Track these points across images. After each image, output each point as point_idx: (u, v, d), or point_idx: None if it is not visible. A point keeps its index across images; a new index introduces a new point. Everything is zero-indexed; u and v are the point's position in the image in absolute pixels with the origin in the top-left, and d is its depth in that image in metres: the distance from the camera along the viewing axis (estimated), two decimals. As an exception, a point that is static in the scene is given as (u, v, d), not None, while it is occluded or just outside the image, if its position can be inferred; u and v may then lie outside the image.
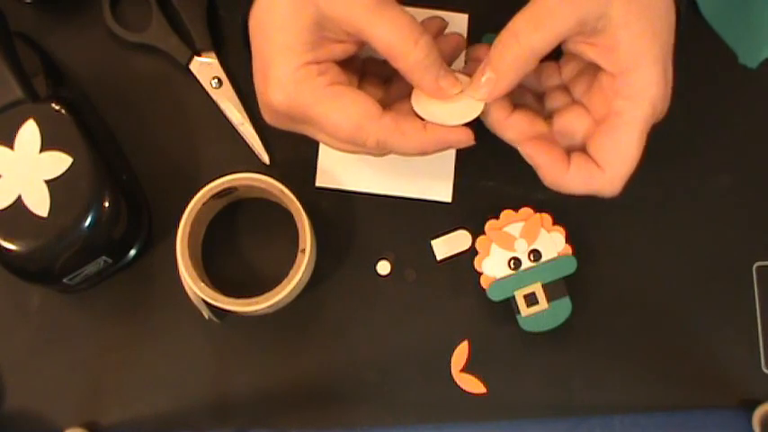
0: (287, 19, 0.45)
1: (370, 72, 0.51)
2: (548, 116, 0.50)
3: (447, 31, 0.52)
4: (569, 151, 0.49)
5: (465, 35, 0.59)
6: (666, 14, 0.46)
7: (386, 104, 0.49)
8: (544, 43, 0.45)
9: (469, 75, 0.48)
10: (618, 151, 0.46)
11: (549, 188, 0.49)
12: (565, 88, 0.51)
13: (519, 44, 0.45)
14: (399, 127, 0.46)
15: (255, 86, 0.48)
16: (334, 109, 0.46)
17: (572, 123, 0.49)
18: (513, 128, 0.49)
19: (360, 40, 0.46)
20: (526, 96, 0.51)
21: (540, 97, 0.52)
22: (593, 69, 0.48)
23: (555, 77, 0.51)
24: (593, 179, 0.47)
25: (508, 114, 0.49)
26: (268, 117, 0.49)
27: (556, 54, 0.48)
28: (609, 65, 0.46)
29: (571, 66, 0.50)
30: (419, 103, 0.48)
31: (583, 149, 0.48)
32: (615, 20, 0.44)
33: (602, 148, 0.47)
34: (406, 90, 0.49)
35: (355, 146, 0.47)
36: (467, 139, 0.47)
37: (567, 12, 0.44)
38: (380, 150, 0.47)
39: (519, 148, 0.49)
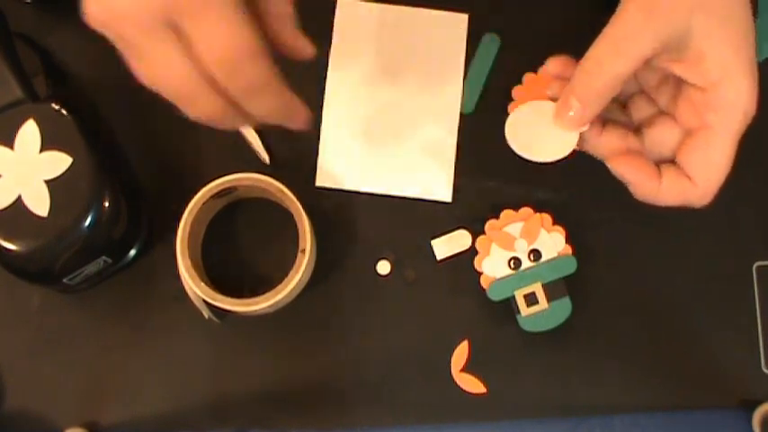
0: None
1: None
2: (636, 128, 0.49)
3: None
4: (658, 163, 0.47)
5: (465, 35, 0.59)
6: (746, 18, 0.44)
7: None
8: (628, 69, 0.43)
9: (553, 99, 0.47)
10: (710, 164, 0.45)
11: (640, 201, 0.48)
12: (646, 95, 0.49)
13: (603, 72, 0.44)
14: (275, 71, 0.40)
15: None
16: (229, 23, 0.38)
17: (662, 136, 0.47)
18: (606, 146, 0.48)
19: None
20: (611, 108, 0.50)
21: (624, 106, 0.50)
22: (675, 77, 0.46)
23: (633, 84, 0.49)
24: (685, 192, 0.46)
25: (600, 132, 0.48)
26: (107, 12, 0.39)
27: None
28: (697, 79, 0.44)
29: (653, 75, 0.48)
30: (515, 140, 0.47)
31: (672, 161, 0.47)
32: (698, 33, 0.42)
33: (694, 161, 0.45)
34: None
35: (206, 82, 0.39)
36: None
37: (649, 34, 0.42)
38: (244, 92, 0.40)
39: (609, 165, 0.47)
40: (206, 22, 0.37)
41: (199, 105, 0.40)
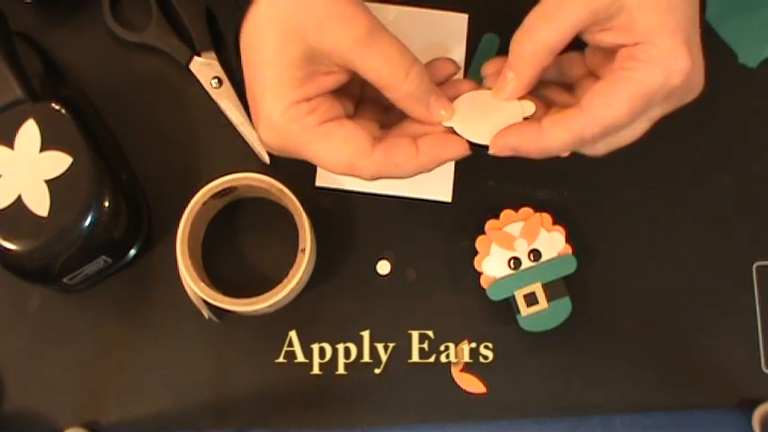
0: (275, 54, 0.44)
1: (370, 97, 0.50)
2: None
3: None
4: None
5: (465, 35, 0.59)
6: None
7: (386, 126, 0.48)
8: (558, 37, 0.45)
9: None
10: (606, 95, 0.45)
11: (539, 158, 0.47)
12: (593, 75, 0.50)
13: (532, 41, 0.45)
14: (391, 159, 0.45)
15: (252, 117, 0.47)
16: (324, 149, 0.45)
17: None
18: (552, 135, 0.47)
19: (350, 70, 0.45)
20: (556, 92, 0.51)
21: (571, 88, 0.51)
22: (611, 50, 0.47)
23: (579, 66, 0.50)
24: (569, 122, 0.45)
25: (540, 129, 0.47)
26: (264, 146, 0.50)
27: (579, 45, 0.48)
28: (629, 40, 0.45)
29: (596, 55, 0.49)
30: (458, 124, 0.47)
31: None
32: (627, 3, 0.44)
33: (594, 91, 0.45)
34: (405, 114, 0.48)
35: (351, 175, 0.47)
36: (462, 150, 0.46)
37: (577, 4, 0.44)
38: (374, 179, 0.46)
39: (491, 153, 0.48)
40: (307, 155, 0.45)
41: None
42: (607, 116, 0.44)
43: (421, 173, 0.47)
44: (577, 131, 0.45)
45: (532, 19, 0.46)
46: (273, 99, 0.44)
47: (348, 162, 0.45)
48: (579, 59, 0.50)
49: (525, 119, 0.47)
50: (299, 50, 0.44)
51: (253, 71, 0.45)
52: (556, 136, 0.45)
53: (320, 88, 0.45)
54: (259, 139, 0.50)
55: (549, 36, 0.45)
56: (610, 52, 0.47)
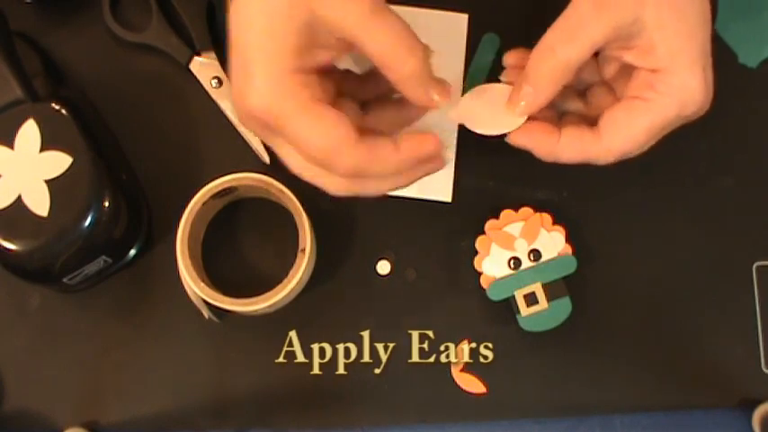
0: (276, 20, 0.42)
1: (348, 92, 0.49)
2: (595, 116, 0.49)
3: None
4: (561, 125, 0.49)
5: (465, 35, 0.59)
6: (701, 13, 0.45)
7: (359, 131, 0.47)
8: (580, 55, 0.45)
9: (509, 83, 0.48)
10: (624, 128, 0.46)
11: (546, 161, 0.48)
12: (607, 86, 0.50)
13: (555, 58, 0.45)
14: (375, 153, 0.44)
15: (232, 83, 0.45)
16: (314, 126, 0.43)
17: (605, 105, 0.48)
18: (566, 151, 0.48)
19: (348, 46, 0.44)
20: (571, 99, 0.51)
21: (583, 94, 0.51)
22: (629, 66, 0.47)
23: (592, 73, 0.50)
24: (585, 145, 0.47)
25: (557, 142, 0.48)
26: (241, 117, 0.46)
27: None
28: (648, 65, 0.45)
29: (611, 65, 0.49)
30: (460, 109, 0.48)
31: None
32: (649, 23, 0.44)
33: (611, 119, 0.46)
34: (383, 121, 0.48)
35: (322, 168, 0.45)
36: (438, 147, 0.46)
37: (600, 22, 0.44)
38: (350, 176, 0.45)
39: (507, 140, 0.49)
40: (292, 129, 0.43)
41: (326, 186, 0.46)
42: (623, 147, 0.46)
43: (397, 173, 0.45)
44: (591, 155, 0.47)
45: (556, 37, 0.45)
46: (268, 64, 0.43)
47: (333, 146, 0.43)
48: (593, 66, 0.50)
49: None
50: (303, 18, 0.42)
51: (247, 35, 0.43)
52: (568, 153, 0.47)
53: (315, 61, 0.44)
54: (235, 108, 0.45)
55: (572, 54, 0.45)
56: (627, 67, 0.47)
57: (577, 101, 0.51)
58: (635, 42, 0.45)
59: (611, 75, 0.49)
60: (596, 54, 0.49)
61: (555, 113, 0.50)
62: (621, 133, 0.46)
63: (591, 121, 0.48)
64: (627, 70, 0.48)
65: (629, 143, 0.46)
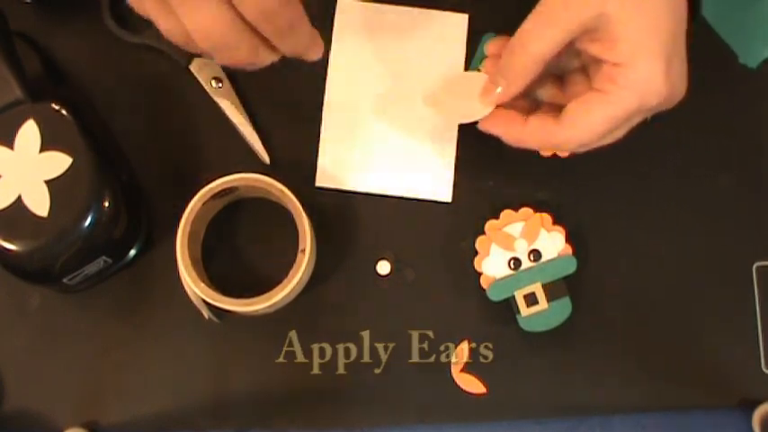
0: None
1: None
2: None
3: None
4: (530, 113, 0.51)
5: (465, 35, 0.59)
6: (668, 8, 0.46)
7: None
8: (549, 49, 0.47)
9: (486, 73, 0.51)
10: (582, 118, 0.48)
11: (512, 146, 0.51)
12: (585, 72, 0.51)
13: (526, 52, 0.48)
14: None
15: None
16: None
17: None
18: (531, 138, 0.50)
19: None
20: (548, 86, 0.53)
21: (560, 78, 0.53)
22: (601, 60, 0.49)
23: (572, 60, 0.52)
24: (548, 132, 0.49)
25: (523, 129, 0.50)
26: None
27: None
28: (610, 57, 0.47)
29: (583, 56, 0.51)
30: (432, 96, 0.50)
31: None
32: (613, 16, 0.45)
33: (571, 109, 0.48)
34: None
35: (224, 42, 0.42)
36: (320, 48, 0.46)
37: (568, 17, 0.46)
38: (252, 55, 0.43)
39: (478, 127, 0.51)
40: None
41: (239, 51, 0.43)
42: (582, 136, 0.48)
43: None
44: (554, 143, 0.50)
45: (525, 30, 0.48)
46: None
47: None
48: (572, 51, 0.51)
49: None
50: None
51: None
52: (534, 139, 0.50)
53: None
54: None
55: (542, 48, 0.47)
56: (596, 59, 0.49)
57: (554, 88, 0.53)
58: (600, 35, 0.47)
59: (585, 63, 0.51)
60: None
61: (528, 102, 0.52)
62: (580, 124, 0.48)
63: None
64: (598, 62, 0.49)
65: (587, 133, 0.48)
